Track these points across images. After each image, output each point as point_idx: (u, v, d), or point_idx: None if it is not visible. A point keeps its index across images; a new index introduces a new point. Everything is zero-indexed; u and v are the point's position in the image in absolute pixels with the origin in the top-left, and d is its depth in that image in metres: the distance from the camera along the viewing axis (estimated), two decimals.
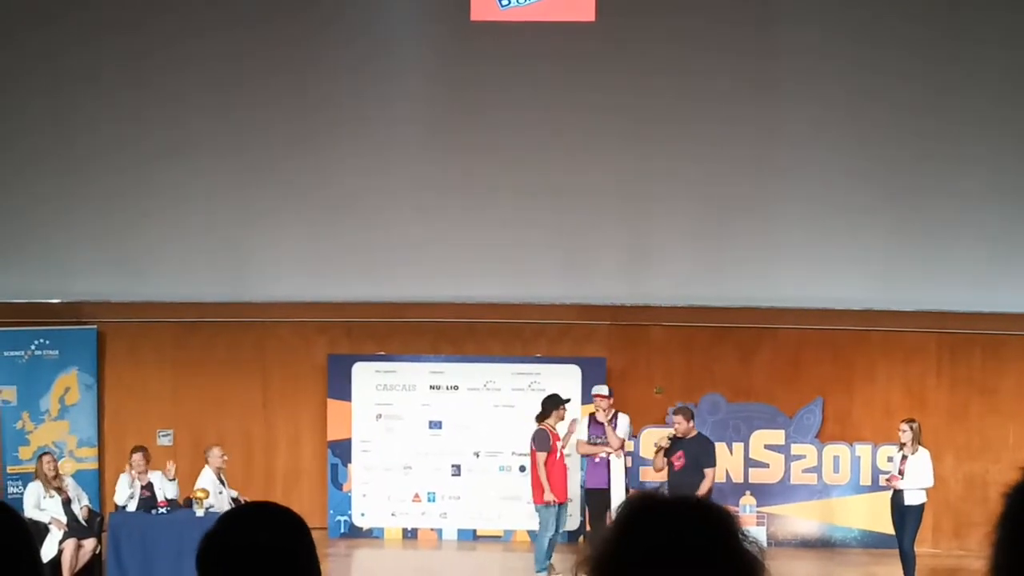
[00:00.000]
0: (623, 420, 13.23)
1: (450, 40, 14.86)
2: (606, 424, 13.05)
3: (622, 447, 13.14)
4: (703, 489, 12.13)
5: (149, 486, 12.90)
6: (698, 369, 15.10)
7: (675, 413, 12.88)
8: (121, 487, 12.94)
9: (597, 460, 13.08)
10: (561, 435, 13.01)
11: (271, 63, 14.74)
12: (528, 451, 13.19)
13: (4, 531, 2.50)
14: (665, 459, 12.58)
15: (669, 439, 12.65)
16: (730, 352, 15.11)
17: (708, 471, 12.38)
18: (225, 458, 13.21)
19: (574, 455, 13.43)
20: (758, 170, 14.73)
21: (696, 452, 12.45)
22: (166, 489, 12.93)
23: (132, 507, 12.74)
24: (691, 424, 12.62)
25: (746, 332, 15.06)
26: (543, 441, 12.83)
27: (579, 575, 2.03)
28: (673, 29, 14.53)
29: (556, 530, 12.89)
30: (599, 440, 13.08)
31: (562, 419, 12.99)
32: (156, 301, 15.06)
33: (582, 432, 13.20)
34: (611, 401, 13.21)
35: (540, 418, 12.99)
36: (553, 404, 12.96)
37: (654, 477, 13.51)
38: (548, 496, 12.74)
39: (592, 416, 13.24)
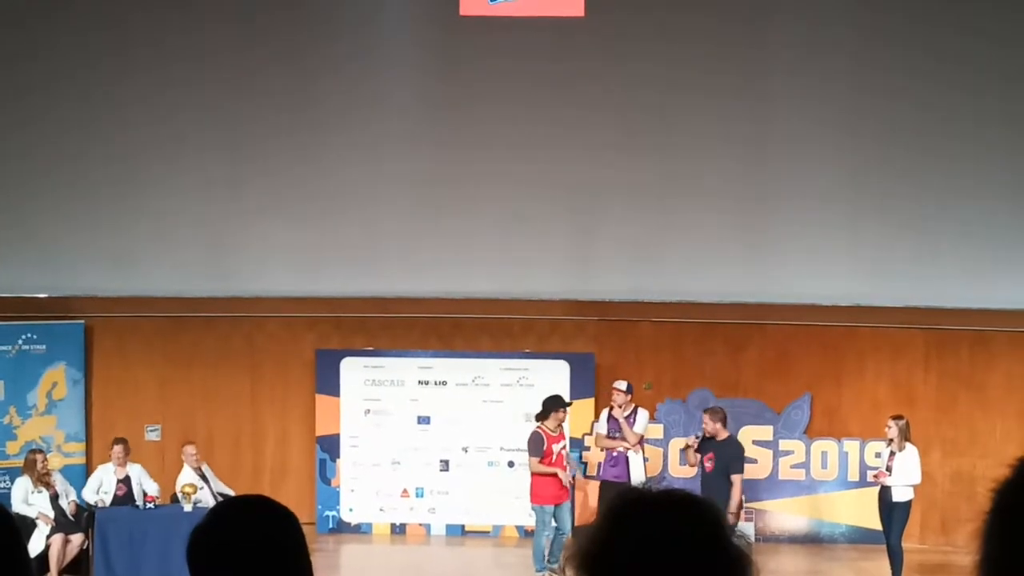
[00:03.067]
0: (642, 415, 13.25)
1: (439, 35, 14.85)
2: (621, 420, 13.06)
3: (640, 443, 13.15)
4: (734, 498, 12.07)
5: (126, 480, 12.88)
6: (687, 365, 15.11)
7: (704, 412, 12.81)
8: (91, 482, 12.92)
9: (615, 454, 13.09)
10: (563, 436, 12.96)
11: (260, 59, 14.71)
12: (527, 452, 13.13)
13: None
14: (698, 455, 12.53)
15: (697, 437, 12.61)
16: (719, 348, 15.13)
17: (735, 478, 12.21)
18: (197, 456, 13.20)
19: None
20: (748, 166, 14.74)
21: (727, 457, 12.34)
22: (144, 484, 12.90)
23: (107, 501, 12.70)
24: (718, 426, 12.48)
25: (735, 328, 15.08)
26: (535, 445, 12.72)
27: (568, 570, 2.03)
28: (662, 24, 14.53)
29: (558, 530, 12.80)
30: (616, 435, 13.10)
31: (561, 421, 12.90)
32: (144, 296, 15.03)
33: (601, 426, 13.24)
34: (629, 397, 13.21)
35: (539, 418, 12.92)
36: (553, 405, 12.82)
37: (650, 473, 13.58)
38: (565, 478, 12.69)
39: (610, 410, 13.27)
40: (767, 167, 14.75)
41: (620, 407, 13.15)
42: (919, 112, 14.41)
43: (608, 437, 13.18)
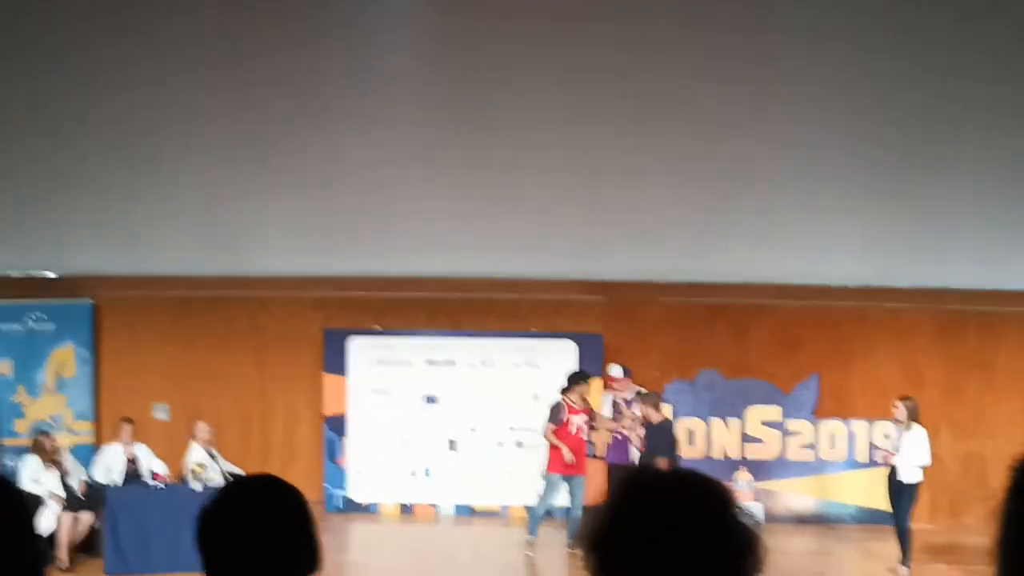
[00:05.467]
0: None
1: (448, 16, 14.81)
2: (621, 403, 13.16)
3: (641, 424, 13.22)
4: None
5: (134, 459, 12.92)
6: (695, 345, 15.11)
7: (640, 397, 12.94)
8: (100, 461, 12.96)
9: (619, 437, 13.17)
10: (588, 409, 13.08)
11: (265, 39, 14.64)
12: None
13: (1, 504, 2.50)
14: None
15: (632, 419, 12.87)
16: (727, 329, 15.12)
17: (660, 460, 12.37)
18: (212, 431, 13.22)
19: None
20: (756, 147, 14.67)
21: (655, 440, 12.49)
22: (150, 463, 12.93)
23: (117, 480, 12.76)
24: (650, 410, 12.62)
25: (743, 309, 15.07)
26: (555, 413, 12.95)
27: (578, 549, 2.04)
28: (672, 5, 14.46)
29: (573, 503, 12.95)
30: (618, 417, 13.19)
31: (584, 395, 13.03)
32: (152, 275, 15.04)
33: (605, 410, 13.34)
34: (626, 381, 13.27)
35: (564, 391, 13.07)
36: (576, 380, 13.04)
37: None
38: (568, 456, 12.78)
39: (612, 394, 13.39)
40: (776, 149, 14.68)
41: (617, 391, 13.25)
42: (929, 95, 14.33)
43: (612, 420, 13.28)
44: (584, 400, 13.05)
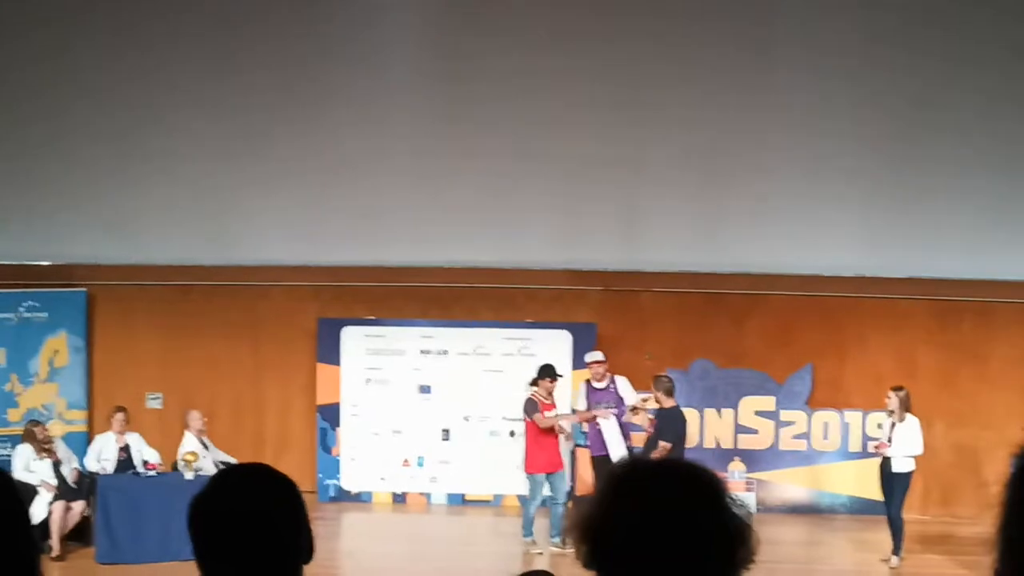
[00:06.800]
0: (622, 382, 13.28)
1: (442, 6, 14.78)
2: (614, 388, 13.15)
3: (635, 410, 13.18)
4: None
5: (126, 448, 12.92)
6: (689, 335, 15.11)
7: (653, 381, 12.95)
8: (92, 450, 12.95)
9: (597, 427, 13.13)
10: (554, 404, 13.02)
11: (261, 27, 14.64)
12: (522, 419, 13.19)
13: None
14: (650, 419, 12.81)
15: (644, 399, 12.86)
16: (721, 318, 15.12)
17: (661, 443, 12.36)
18: (205, 420, 13.22)
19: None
20: (751, 136, 14.69)
21: (661, 425, 12.51)
22: (143, 452, 12.92)
23: (109, 469, 12.76)
24: (660, 394, 12.61)
25: (737, 298, 15.07)
26: (532, 408, 12.84)
27: (569, 541, 2.03)
28: None
29: (553, 499, 12.90)
30: (605, 405, 13.12)
31: (550, 391, 12.93)
32: (146, 264, 15.02)
33: (580, 400, 13.28)
34: (606, 366, 13.26)
35: (533, 383, 13.00)
36: (542, 374, 12.94)
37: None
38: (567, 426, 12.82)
39: (588, 382, 13.30)
40: (770, 138, 14.70)
41: (599, 377, 13.22)
42: (924, 83, 14.35)
43: (590, 409, 13.21)
44: (550, 395, 12.97)
